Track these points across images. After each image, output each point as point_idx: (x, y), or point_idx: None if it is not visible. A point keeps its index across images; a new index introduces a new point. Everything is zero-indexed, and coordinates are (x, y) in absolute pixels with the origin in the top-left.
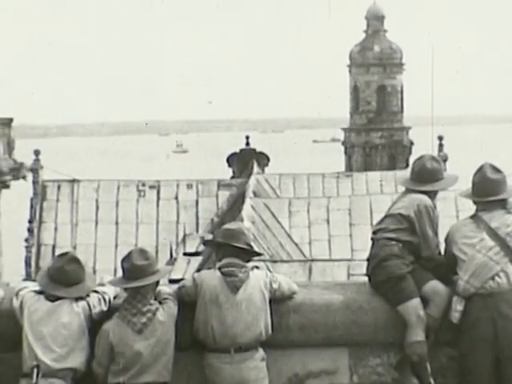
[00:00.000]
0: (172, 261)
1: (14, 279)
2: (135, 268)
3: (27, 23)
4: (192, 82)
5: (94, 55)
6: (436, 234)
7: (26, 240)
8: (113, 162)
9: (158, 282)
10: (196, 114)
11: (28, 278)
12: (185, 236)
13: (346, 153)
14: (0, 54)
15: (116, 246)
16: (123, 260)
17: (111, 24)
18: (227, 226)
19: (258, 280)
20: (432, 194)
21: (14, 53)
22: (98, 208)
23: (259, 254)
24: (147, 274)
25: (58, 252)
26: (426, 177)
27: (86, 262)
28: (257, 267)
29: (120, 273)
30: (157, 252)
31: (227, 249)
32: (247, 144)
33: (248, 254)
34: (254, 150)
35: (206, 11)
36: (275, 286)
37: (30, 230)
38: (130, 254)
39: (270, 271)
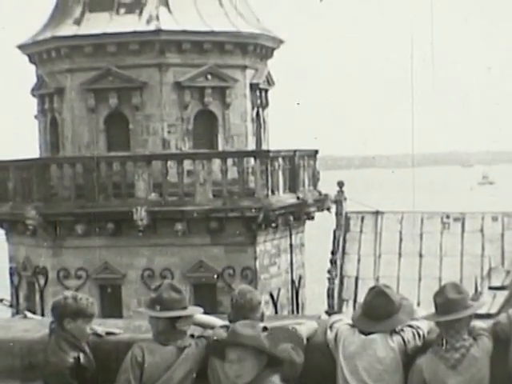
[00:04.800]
0: (477, 295)
1: (316, 311)
2: (449, 302)
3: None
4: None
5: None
6: None
7: (329, 271)
8: (416, 194)
9: (471, 317)
10: (501, 144)
11: (330, 310)
12: (490, 269)
13: None
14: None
15: (419, 278)
16: (436, 294)
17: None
18: None
19: None
20: None
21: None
22: (401, 240)
23: None
24: (461, 308)
25: (360, 284)
26: None
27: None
28: None
29: (422, 306)
30: None
31: None
32: None
33: None
34: None
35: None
36: None
37: (332, 262)
38: (443, 287)
39: None
